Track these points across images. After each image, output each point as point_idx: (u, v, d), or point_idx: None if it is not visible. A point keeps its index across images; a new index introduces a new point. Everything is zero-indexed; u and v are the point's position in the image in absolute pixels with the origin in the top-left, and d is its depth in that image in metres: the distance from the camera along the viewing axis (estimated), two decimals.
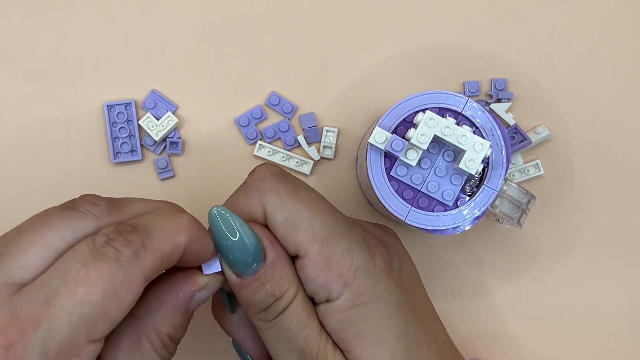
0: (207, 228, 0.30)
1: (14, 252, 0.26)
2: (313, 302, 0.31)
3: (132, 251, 0.26)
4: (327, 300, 0.31)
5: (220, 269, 0.31)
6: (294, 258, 0.31)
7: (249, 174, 0.32)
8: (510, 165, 0.41)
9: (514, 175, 0.42)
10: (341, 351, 0.31)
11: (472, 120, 0.35)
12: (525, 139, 0.41)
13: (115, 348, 0.28)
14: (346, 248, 0.30)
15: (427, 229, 0.35)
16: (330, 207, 0.31)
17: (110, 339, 0.28)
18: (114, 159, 0.41)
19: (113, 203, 0.28)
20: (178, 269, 0.31)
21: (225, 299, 0.33)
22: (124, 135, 0.41)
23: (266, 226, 0.31)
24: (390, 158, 0.35)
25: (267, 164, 0.32)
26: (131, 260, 0.26)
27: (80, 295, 0.24)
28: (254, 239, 0.29)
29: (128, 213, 0.29)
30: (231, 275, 0.30)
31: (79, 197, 0.28)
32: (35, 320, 0.24)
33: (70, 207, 0.27)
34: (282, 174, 0.31)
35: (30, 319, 0.24)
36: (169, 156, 0.42)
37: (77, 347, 0.25)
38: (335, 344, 0.31)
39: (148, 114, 0.41)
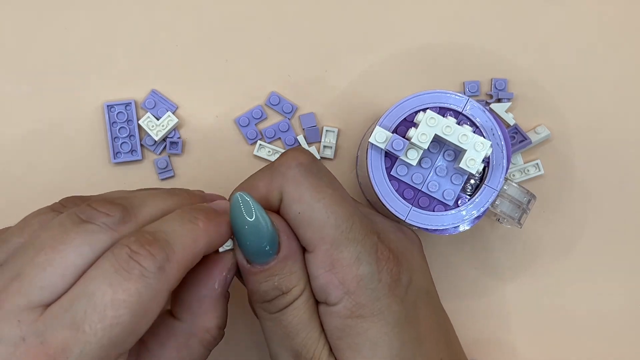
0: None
1: (32, 272, 0.25)
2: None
3: (158, 266, 0.25)
4: (326, 303, 0.30)
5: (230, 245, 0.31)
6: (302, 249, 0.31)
7: (280, 155, 0.31)
8: (511, 165, 0.41)
9: (514, 175, 0.42)
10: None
11: (473, 119, 0.35)
12: (525, 139, 0.41)
13: (162, 346, 0.29)
14: (355, 256, 0.30)
15: (427, 229, 0.35)
16: (350, 209, 0.30)
17: (157, 336, 0.29)
18: (114, 159, 0.41)
19: (127, 210, 0.28)
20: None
21: None
22: (124, 135, 0.41)
23: (279, 213, 0.31)
24: (390, 157, 0.35)
25: (299, 150, 0.31)
26: (157, 275, 0.25)
27: (110, 319, 0.24)
28: (272, 229, 0.29)
29: (142, 219, 0.28)
30: (242, 260, 0.30)
31: (91, 207, 0.27)
32: (65, 346, 0.24)
33: (86, 220, 0.27)
34: (309, 165, 0.30)
35: (60, 345, 0.24)
36: (169, 156, 0.42)
37: None
38: (331, 351, 0.30)
39: (148, 114, 0.41)
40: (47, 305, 0.25)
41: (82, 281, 0.25)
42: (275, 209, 0.31)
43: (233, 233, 0.30)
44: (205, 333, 0.30)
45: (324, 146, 0.42)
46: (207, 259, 0.31)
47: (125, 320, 0.24)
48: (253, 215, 0.29)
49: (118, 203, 0.28)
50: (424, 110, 0.34)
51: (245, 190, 0.31)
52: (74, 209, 0.27)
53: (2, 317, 0.24)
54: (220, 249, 0.30)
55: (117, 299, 0.24)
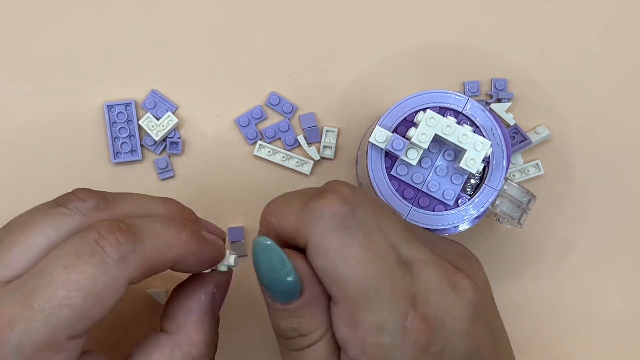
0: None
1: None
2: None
3: (121, 255, 0.25)
4: (346, 354, 0.28)
5: (233, 264, 0.31)
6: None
7: (319, 192, 0.28)
8: (511, 165, 0.41)
9: (514, 175, 0.42)
10: None
11: (473, 119, 0.35)
12: (525, 139, 0.41)
13: (146, 357, 0.29)
14: (377, 323, 0.27)
15: (427, 229, 0.35)
16: (383, 270, 0.27)
17: (142, 347, 0.29)
18: (114, 159, 0.41)
19: (104, 199, 0.28)
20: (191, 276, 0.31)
21: None
22: (124, 135, 0.41)
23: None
24: (390, 157, 0.35)
25: (338, 195, 0.27)
26: (118, 263, 0.25)
27: (60, 299, 0.24)
28: (294, 274, 0.27)
29: (119, 210, 0.28)
30: (265, 294, 0.29)
31: (70, 192, 0.28)
32: (12, 319, 0.24)
33: (60, 204, 0.27)
34: (344, 217, 0.27)
35: (7, 318, 0.24)
36: (169, 156, 0.42)
37: (57, 345, 0.25)
38: None
39: (148, 114, 0.41)
40: (9, 282, 0.26)
41: (43, 260, 0.26)
42: (302, 247, 0.29)
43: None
44: (191, 347, 0.29)
45: (324, 146, 0.42)
46: (196, 275, 0.31)
47: (75, 303, 0.24)
48: (274, 263, 0.27)
49: (98, 192, 0.28)
50: (424, 110, 0.34)
51: (276, 217, 0.29)
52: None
53: None
54: (214, 267, 0.31)
55: (70, 280, 0.24)
